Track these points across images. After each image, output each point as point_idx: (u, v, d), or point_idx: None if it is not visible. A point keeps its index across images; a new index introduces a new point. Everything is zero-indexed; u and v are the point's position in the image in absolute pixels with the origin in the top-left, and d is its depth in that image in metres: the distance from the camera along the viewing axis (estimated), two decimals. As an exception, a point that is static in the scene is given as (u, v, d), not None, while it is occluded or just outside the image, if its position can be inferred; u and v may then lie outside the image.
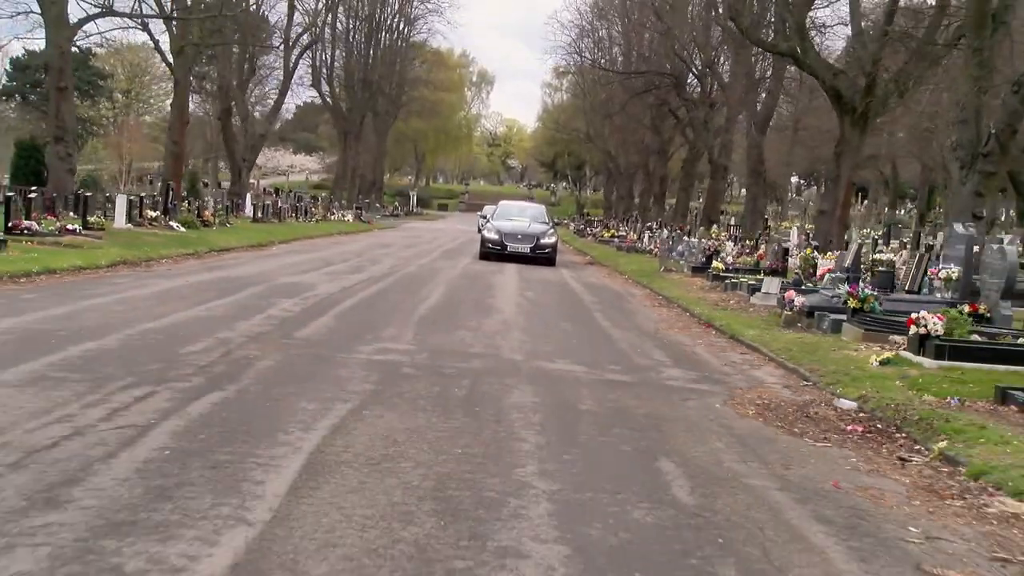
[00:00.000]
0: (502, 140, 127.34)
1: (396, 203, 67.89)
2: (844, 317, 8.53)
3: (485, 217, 20.51)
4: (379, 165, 64.31)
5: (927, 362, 6.79)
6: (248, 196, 33.03)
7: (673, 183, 49.33)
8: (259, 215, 29.30)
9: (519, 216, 19.31)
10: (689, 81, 37.17)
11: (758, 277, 12.59)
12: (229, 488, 3.19)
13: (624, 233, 33.14)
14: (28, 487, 2.91)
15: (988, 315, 8.38)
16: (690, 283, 14.60)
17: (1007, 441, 4.54)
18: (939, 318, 7.01)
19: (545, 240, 17.82)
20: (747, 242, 19.91)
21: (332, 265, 14.65)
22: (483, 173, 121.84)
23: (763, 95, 32.89)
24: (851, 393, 5.90)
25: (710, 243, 17.91)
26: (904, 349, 7.22)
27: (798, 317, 9.44)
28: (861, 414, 5.54)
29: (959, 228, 9.65)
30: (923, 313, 7.05)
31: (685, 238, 20.98)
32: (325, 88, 50.49)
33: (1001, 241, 9.27)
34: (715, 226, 32.00)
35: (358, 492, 3.23)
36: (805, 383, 6.56)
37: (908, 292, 10.18)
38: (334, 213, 39.62)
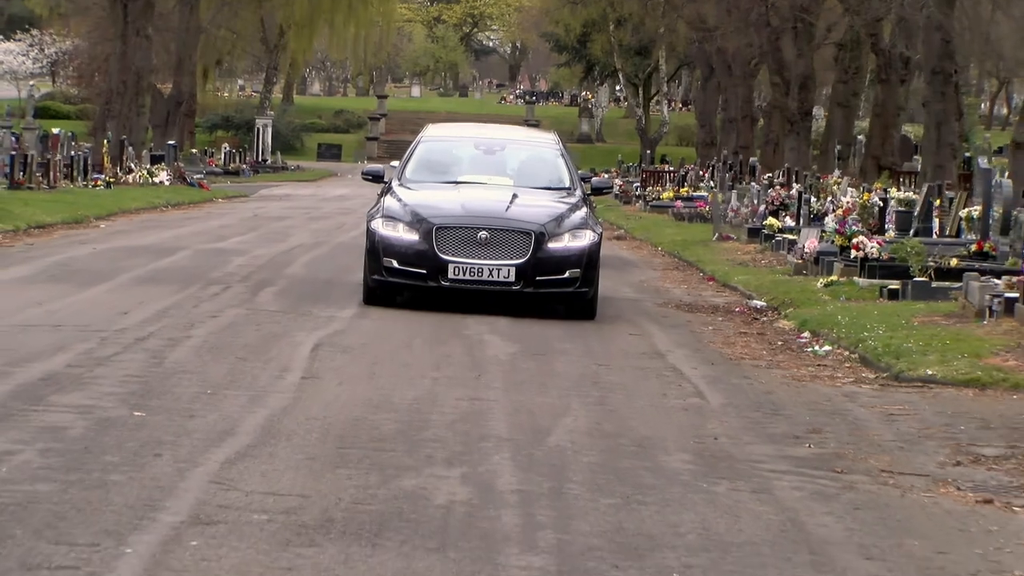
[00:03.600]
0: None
1: (226, 145, 79.02)
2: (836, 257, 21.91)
3: (381, 179, 19.68)
4: (187, 63, 73.36)
5: (863, 281, 20.23)
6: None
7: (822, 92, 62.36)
8: (18, 176, 42.20)
9: (480, 169, 19.71)
10: None
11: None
12: (332, 303, 16.85)
13: (704, 193, 45.76)
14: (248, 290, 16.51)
15: (992, 252, 21.64)
16: (736, 248, 28.22)
17: (827, 309, 17.86)
18: (879, 243, 20.44)
19: (561, 245, 17.67)
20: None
21: (237, 236, 28.40)
22: (420, 69, 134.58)
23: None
24: (782, 308, 19.13)
25: (775, 194, 31.37)
26: (858, 276, 20.55)
27: (805, 264, 22.88)
28: (765, 307, 18.94)
29: (982, 163, 23.24)
30: (862, 239, 20.48)
31: (770, 192, 34.43)
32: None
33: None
34: (886, 174, 44.39)
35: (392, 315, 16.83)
36: (746, 300, 19.96)
37: (947, 235, 23.59)
38: (132, 170, 52.64)
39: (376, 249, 17.37)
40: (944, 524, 8.15)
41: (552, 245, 17.42)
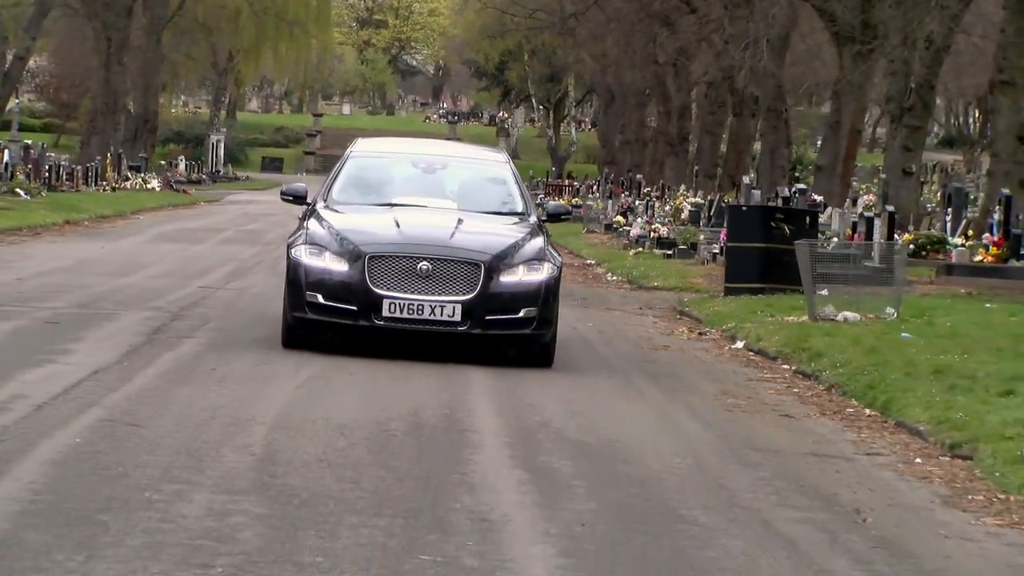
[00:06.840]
0: (391, 14, 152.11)
1: (182, 158, 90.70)
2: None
3: (304, 199, 17.84)
4: (152, 87, 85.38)
5: (658, 252, 34.10)
6: (7, 152, 58.57)
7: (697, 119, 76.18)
8: (52, 181, 55.17)
9: (418, 190, 17.81)
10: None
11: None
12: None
13: (588, 202, 59.68)
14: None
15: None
16: (595, 238, 42.11)
17: (626, 263, 31.86)
18: (668, 228, 34.36)
19: (515, 278, 15.84)
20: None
21: (252, 223, 42.08)
22: (351, 89, 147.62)
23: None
24: (602, 264, 33.04)
25: (623, 201, 45.25)
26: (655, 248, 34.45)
27: (630, 244, 36.79)
28: (593, 264, 32.91)
29: (746, 179, 37.22)
30: (658, 226, 34.40)
31: (620, 200, 48.45)
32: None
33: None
34: (735, 189, 58.06)
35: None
36: (586, 262, 33.90)
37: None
38: (129, 177, 65.64)
39: (298, 281, 15.62)
40: (615, 315, 22.01)
41: (505, 279, 15.68)
